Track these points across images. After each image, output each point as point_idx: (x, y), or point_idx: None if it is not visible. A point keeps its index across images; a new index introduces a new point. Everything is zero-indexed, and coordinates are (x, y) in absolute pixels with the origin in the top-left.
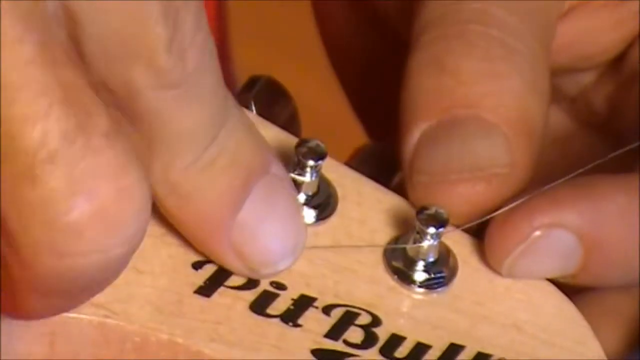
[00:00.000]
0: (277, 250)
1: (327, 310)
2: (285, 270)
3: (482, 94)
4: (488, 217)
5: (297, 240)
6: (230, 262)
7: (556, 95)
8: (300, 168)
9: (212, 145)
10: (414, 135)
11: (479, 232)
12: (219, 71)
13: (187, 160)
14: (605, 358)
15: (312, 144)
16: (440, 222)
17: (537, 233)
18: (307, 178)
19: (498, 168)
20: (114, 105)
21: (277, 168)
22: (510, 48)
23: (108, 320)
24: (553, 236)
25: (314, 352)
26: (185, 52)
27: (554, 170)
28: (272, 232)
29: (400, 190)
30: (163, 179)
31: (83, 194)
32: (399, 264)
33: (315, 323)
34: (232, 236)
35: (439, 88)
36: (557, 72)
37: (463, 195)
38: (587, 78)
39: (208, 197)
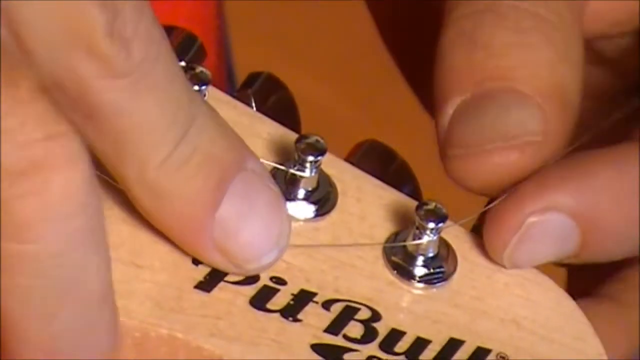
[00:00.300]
0: (259, 245)
1: (327, 305)
2: (283, 265)
3: (515, 65)
4: (485, 208)
5: (279, 234)
6: (214, 260)
7: (599, 59)
8: (300, 164)
9: (183, 142)
10: (447, 111)
11: (478, 227)
12: (175, 64)
13: (159, 156)
14: (605, 355)
15: (312, 139)
16: (439, 217)
17: (531, 219)
18: (306, 174)
19: (531, 136)
20: (71, 106)
21: (253, 163)
22: (541, 18)
23: None
24: (546, 220)
25: (314, 346)
26: (129, 41)
27: (603, 131)
28: (253, 227)
29: (399, 178)
30: (139, 178)
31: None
32: (398, 259)
33: (315, 318)
34: (214, 234)
35: (471, 62)
36: (594, 38)
37: (497, 165)
38: (627, 40)
39: (185, 196)
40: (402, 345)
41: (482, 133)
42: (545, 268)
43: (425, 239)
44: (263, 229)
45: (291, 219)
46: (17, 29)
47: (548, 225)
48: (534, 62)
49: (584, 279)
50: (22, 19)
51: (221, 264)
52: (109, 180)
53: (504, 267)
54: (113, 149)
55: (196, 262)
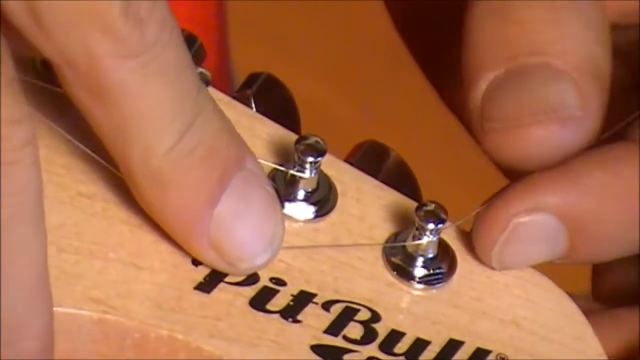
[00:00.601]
0: (254, 246)
1: (326, 306)
2: (283, 266)
3: (549, 41)
4: (478, 210)
5: (274, 236)
6: (209, 257)
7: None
8: (300, 165)
9: (188, 132)
10: (481, 86)
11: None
12: (186, 55)
13: (165, 145)
14: (605, 355)
15: (312, 140)
16: (439, 218)
17: (517, 220)
18: (306, 174)
19: (572, 110)
20: (80, 84)
21: (252, 163)
22: None
23: (107, 316)
24: (533, 221)
25: (314, 347)
26: (144, 22)
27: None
28: (249, 227)
29: (399, 179)
30: (143, 165)
31: None
32: (398, 260)
33: (315, 319)
34: (210, 230)
35: (504, 37)
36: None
37: (538, 138)
38: (637, 33)
39: (186, 187)
40: (401, 346)
41: (520, 106)
42: (554, 269)
43: (425, 240)
44: (258, 229)
45: (289, 220)
46: (35, 5)
47: (535, 226)
48: (567, 38)
49: (610, 283)
50: None
51: (215, 261)
52: (109, 178)
53: (492, 268)
54: (119, 132)
55: (196, 262)
